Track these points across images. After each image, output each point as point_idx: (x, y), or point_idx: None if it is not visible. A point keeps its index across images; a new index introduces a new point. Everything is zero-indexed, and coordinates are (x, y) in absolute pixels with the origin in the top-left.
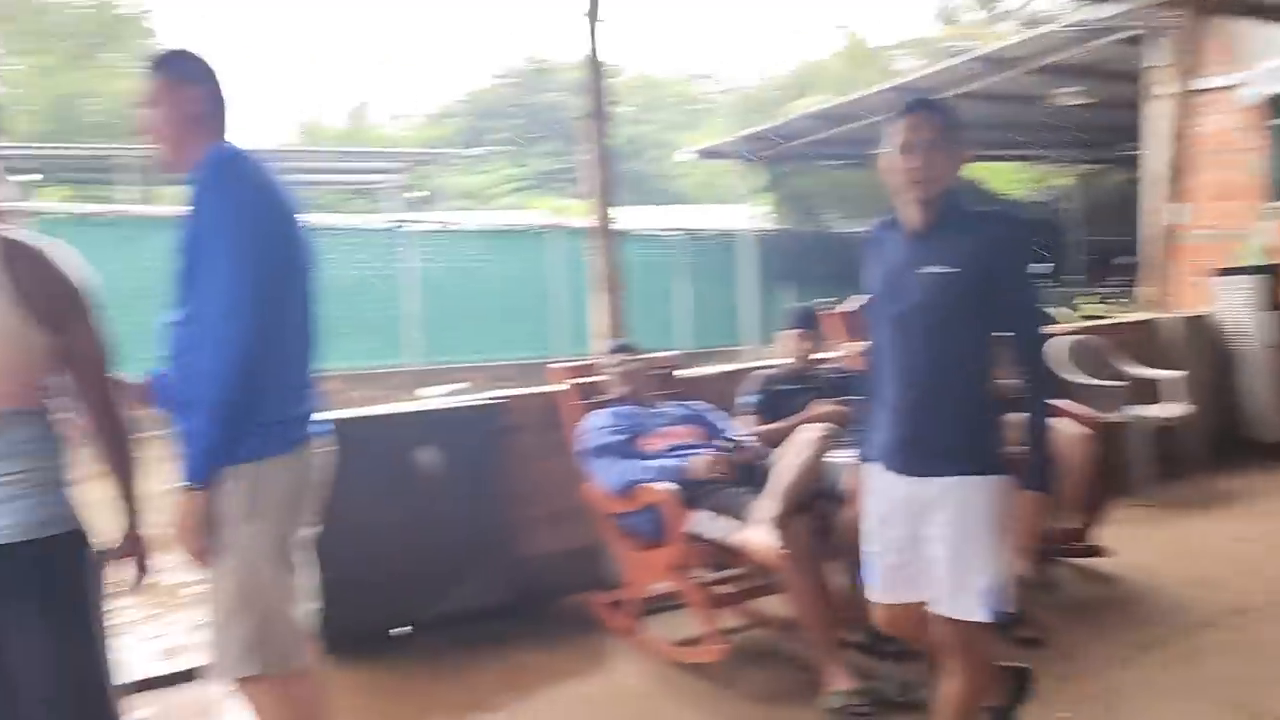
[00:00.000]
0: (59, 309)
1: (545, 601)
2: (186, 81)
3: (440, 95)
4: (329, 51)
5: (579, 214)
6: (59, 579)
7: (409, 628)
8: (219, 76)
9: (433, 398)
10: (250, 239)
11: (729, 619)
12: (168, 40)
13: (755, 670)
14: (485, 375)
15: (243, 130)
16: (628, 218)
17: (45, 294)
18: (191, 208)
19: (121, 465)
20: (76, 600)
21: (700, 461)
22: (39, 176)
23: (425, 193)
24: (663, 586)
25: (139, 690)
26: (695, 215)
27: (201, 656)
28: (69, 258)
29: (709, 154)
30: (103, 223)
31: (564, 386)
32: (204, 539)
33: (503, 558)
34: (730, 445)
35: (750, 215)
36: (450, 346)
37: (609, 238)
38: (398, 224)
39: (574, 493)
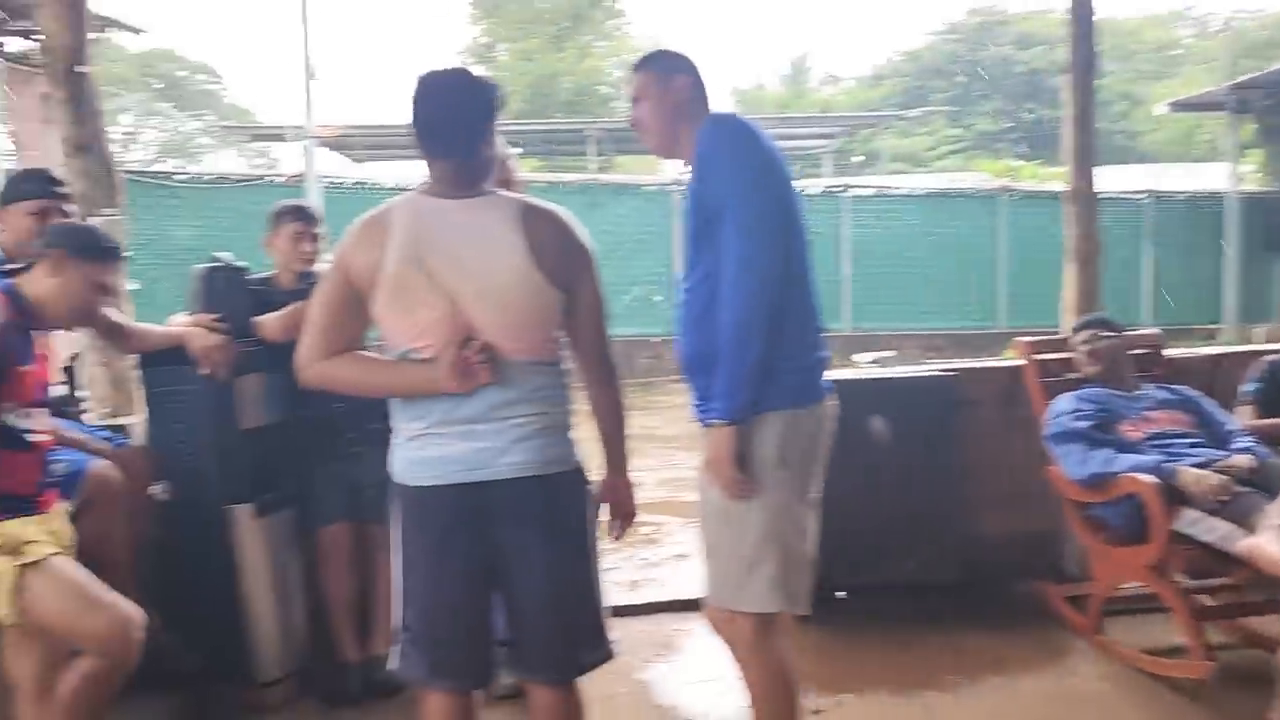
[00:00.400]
0: (569, 267)
1: (993, 584)
2: (671, 74)
3: (877, 55)
4: (768, 17)
5: (1027, 177)
6: (562, 512)
7: (844, 593)
8: (697, 66)
9: (865, 364)
10: (756, 195)
11: (1214, 633)
12: (637, 17)
13: (1246, 696)
14: (915, 343)
15: None
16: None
17: (559, 253)
18: (697, 174)
19: (613, 413)
20: (576, 532)
21: (1200, 484)
22: (520, 150)
23: (861, 157)
24: (1133, 586)
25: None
26: (1164, 175)
27: (669, 589)
28: (573, 220)
29: (1185, 106)
30: (571, 190)
31: (1026, 362)
32: (735, 472)
33: (949, 533)
34: (1243, 466)
35: (1234, 175)
36: (878, 313)
37: (1087, 204)
38: (841, 188)
39: (1032, 474)
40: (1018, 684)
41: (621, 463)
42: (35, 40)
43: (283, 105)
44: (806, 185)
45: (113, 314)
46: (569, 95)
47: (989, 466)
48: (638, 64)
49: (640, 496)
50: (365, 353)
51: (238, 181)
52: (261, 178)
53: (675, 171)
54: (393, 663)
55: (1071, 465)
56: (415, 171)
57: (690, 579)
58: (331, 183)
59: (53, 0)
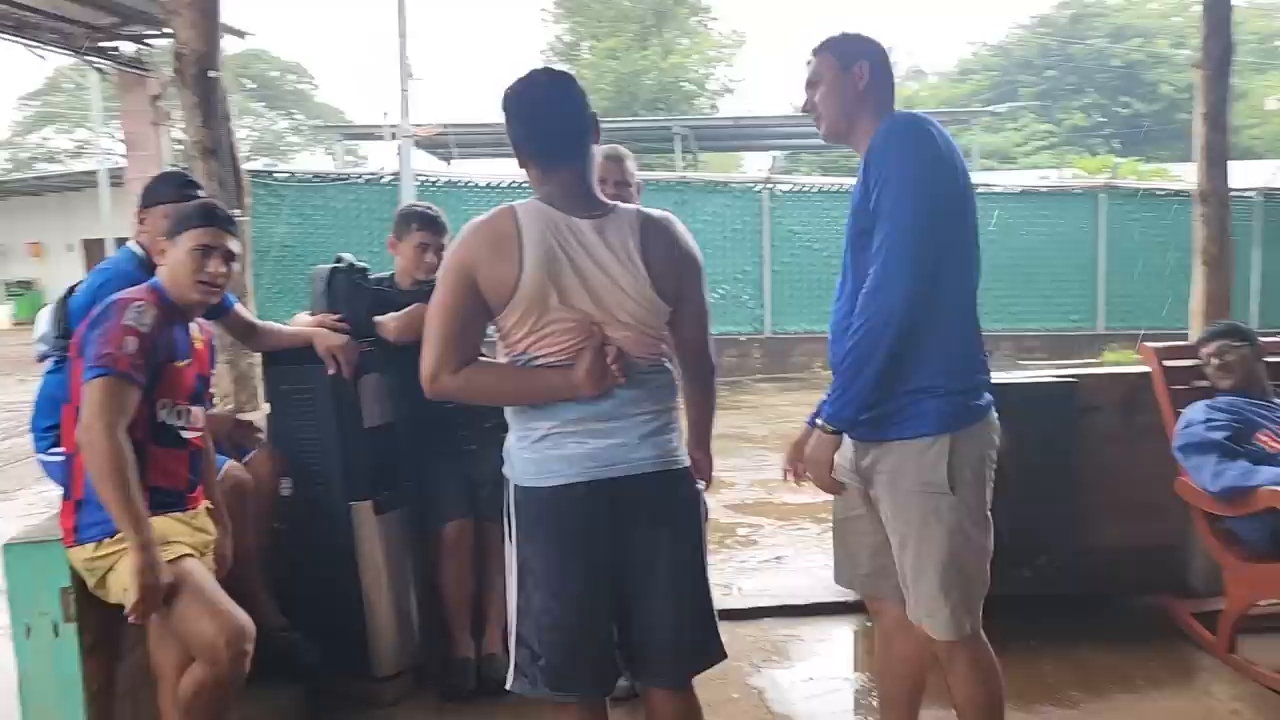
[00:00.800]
0: (680, 278)
1: (1113, 598)
2: (851, 60)
3: (963, 50)
4: (852, 11)
5: (1127, 174)
6: (682, 509)
7: None
8: (885, 52)
9: None
10: (912, 211)
11: None
12: (722, 13)
13: None
14: (1009, 344)
15: (774, 95)
16: (1187, 174)
17: (672, 269)
18: (861, 178)
19: (705, 403)
20: (693, 530)
21: None
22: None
23: None
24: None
25: None
26: (1278, 173)
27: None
28: (683, 229)
29: None
30: (659, 188)
31: (1153, 368)
32: (826, 475)
33: (1067, 544)
34: None
35: None
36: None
37: (1219, 205)
38: None
39: (1155, 484)
40: (1147, 703)
41: (706, 438)
42: (147, 45)
43: (372, 104)
44: None
45: (245, 314)
46: (652, 93)
47: (1110, 476)
48: (817, 46)
49: (734, 498)
50: (491, 360)
51: (337, 180)
52: (361, 177)
53: (761, 171)
54: (509, 682)
55: (1205, 477)
56: (503, 169)
57: (791, 583)
58: (425, 180)
59: (189, 8)
